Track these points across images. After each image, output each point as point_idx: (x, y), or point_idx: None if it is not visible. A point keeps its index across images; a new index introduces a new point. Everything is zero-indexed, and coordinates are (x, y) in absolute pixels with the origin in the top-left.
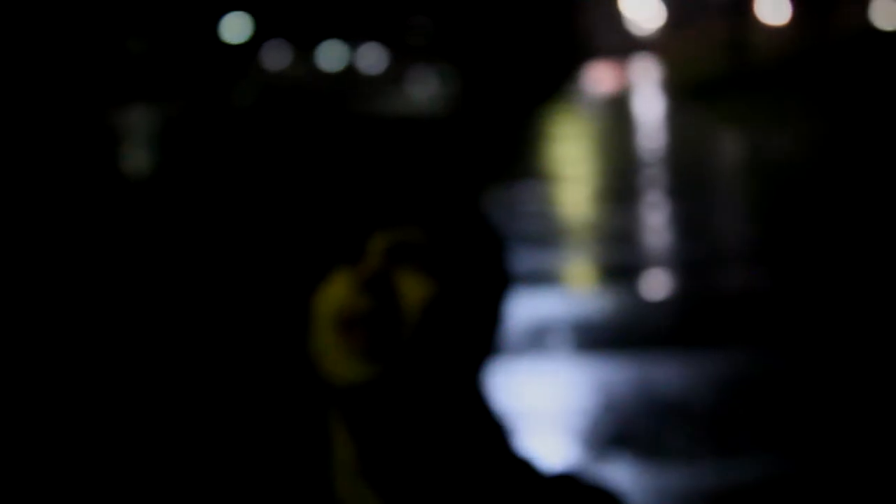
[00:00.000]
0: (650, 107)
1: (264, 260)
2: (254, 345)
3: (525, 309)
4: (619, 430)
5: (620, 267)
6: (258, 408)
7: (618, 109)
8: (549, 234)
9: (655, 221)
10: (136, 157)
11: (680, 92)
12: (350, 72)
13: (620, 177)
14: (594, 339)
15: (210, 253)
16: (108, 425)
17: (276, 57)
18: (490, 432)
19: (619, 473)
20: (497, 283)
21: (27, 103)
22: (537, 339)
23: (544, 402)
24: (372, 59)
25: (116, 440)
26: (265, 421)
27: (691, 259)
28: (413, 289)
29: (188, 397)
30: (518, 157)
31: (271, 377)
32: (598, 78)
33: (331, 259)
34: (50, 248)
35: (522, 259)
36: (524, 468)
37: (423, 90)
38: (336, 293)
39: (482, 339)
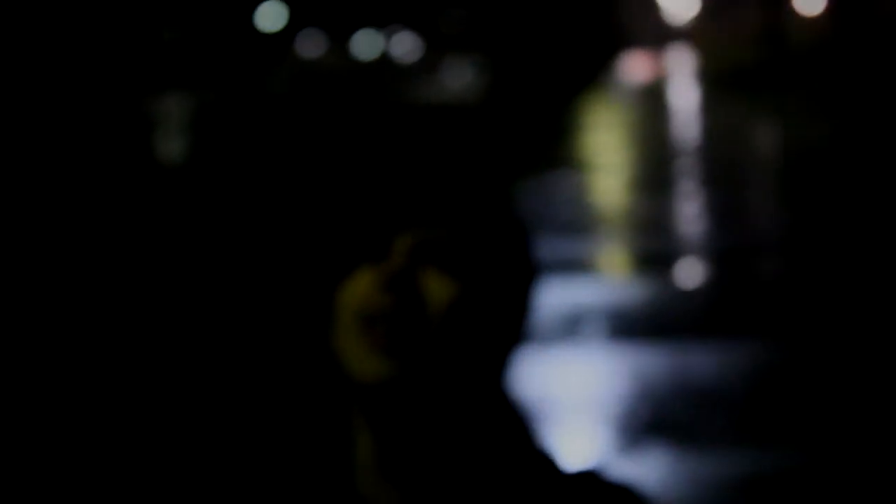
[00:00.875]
0: (685, 96)
1: (291, 252)
2: (279, 337)
3: (560, 297)
4: (653, 418)
5: (655, 255)
6: (282, 402)
7: (653, 99)
8: (583, 223)
9: (689, 210)
10: (170, 145)
11: (715, 81)
12: (384, 60)
13: (655, 166)
14: (629, 327)
15: (237, 242)
16: (129, 414)
17: (311, 45)
18: (512, 429)
19: (654, 461)
20: (522, 282)
21: (64, 92)
22: (572, 327)
23: (579, 390)
24: (406, 48)
25: (138, 432)
26: (289, 416)
27: (725, 248)
28: (437, 288)
29: (212, 388)
30: (553, 147)
31: (296, 371)
32: (634, 67)
33: (356, 255)
34: (84, 232)
35: (557, 247)
36: (546, 465)
37: (458, 79)
38: (359, 290)
39: (506, 337)
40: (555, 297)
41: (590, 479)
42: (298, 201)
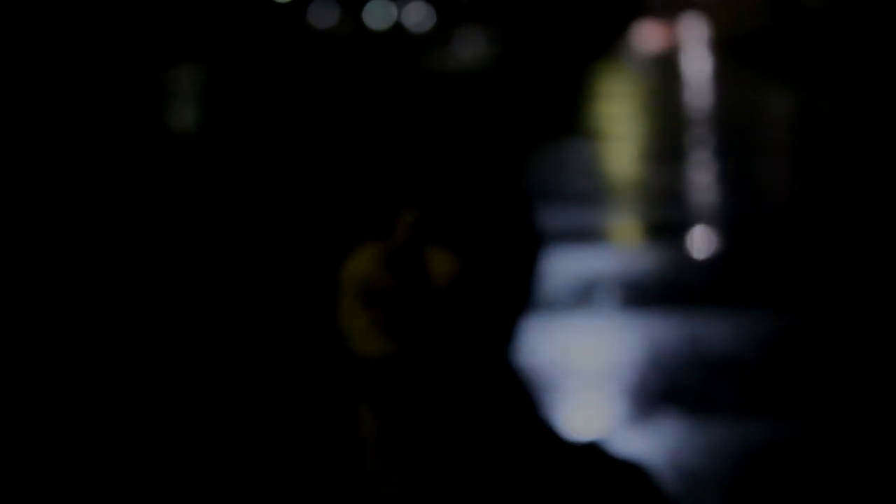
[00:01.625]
0: (698, 65)
1: (297, 227)
2: (285, 312)
3: (573, 266)
4: (665, 387)
5: (668, 224)
6: (288, 379)
7: (666, 68)
8: (596, 192)
9: (702, 179)
10: (183, 114)
11: (728, 50)
12: (397, 30)
13: (668, 135)
14: (641, 295)
15: (243, 215)
16: (133, 386)
17: (324, 15)
18: (516, 403)
19: (665, 430)
20: (526, 256)
21: (80, 64)
22: (585, 296)
23: (592, 359)
24: (419, 17)
25: (142, 404)
26: (295, 394)
27: (738, 217)
28: (439, 264)
29: (217, 364)
30: (566, 116)
31: (301, 347)
32: (647, 36)
33: (359, 232)
34: (98, 198)
35: (570, 216)
36: (550, 439)
37: (470, 50)
38: (361, 267)
39: (510, 311)
40: (568, 265)
41: (595, 453)
42: (304, 177)
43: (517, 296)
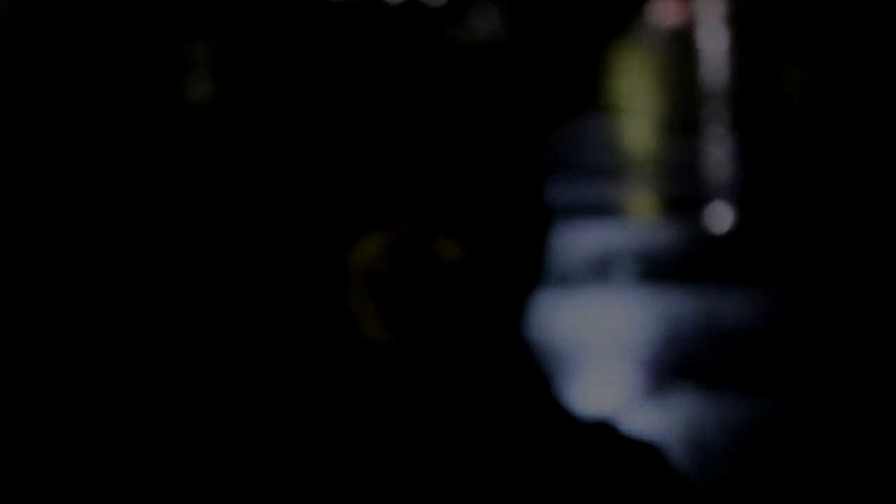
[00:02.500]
0: (714, 40)
1: (306, 207)
2: (295, 295)
3: (589, 241)
4: (680, 362)
5: (684, 200)
6: (295, 362)
7: (682, 43)
8: (613, 167)
9: (719, 155)
10: (199, 87)
11: (744, 25)
12: (412, 4)
13: (684, 110)
14: (657, 271)
15: (253, 193)
16: (144, 367)
17: None
18: (527, 383)
19: (679, 404)
20: (535, 237)
21: (95, 38)
22: (601, 271)
23: (607, 333)
24: None
25: (153, 385)
26: (302, 378)
27: (754, 192)
28: (446, 252)
29: (223, 337)
30: (583, 91)
31: (310, 332)
32: (663, 11)
33: (367, 219)
34: (115, 170)
35: (586, 191)
36: (561, 419)
37: (486, 24)
38: (368, 254)
39: (519, 293)
40: (583, 240)
41: (605, 432)
42: (313, 161)
43: (527, 275)
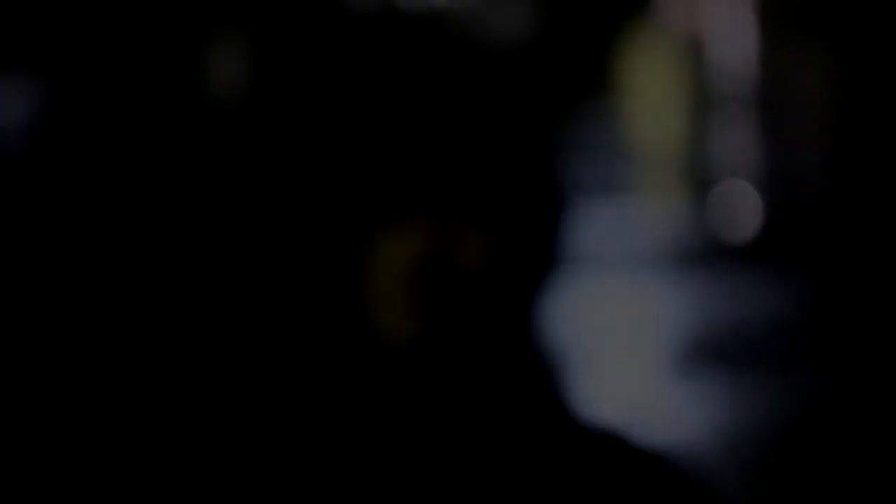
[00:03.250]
0: (738, 36)
1: (329, 200)
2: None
3: (610, 223)
4: (709, 344)
5: (707, 182)
6: (308, 356)
7: (703, 26)
8: (633, 151)
9: (743, 138)
10: (223, 83)
11: (768, 11)
12: (428, 11)
13: (706, 93)
14: (682, 254)
15: (276, 186)
16: (157, 352)
17: None
18: (537, 387)
19: (709, 386)
20: (556, 230)
21: (121, 34)
22: (627, 253)
23: (635, 315)
24: None
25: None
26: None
27: (780, 175)
28: (470, 249)
29: (239, 330)
30: (599, 87)
31: (325, 325)
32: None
33: (390, 215)
34: (137, 165)
35: (608, 174)
36: (569, 427)
37: (501, 22)
38: (393, 249)
39: (542, 280)
40: (608, 223)
41: (612, 445)
42: (337, 154)
43: (550, 263)
